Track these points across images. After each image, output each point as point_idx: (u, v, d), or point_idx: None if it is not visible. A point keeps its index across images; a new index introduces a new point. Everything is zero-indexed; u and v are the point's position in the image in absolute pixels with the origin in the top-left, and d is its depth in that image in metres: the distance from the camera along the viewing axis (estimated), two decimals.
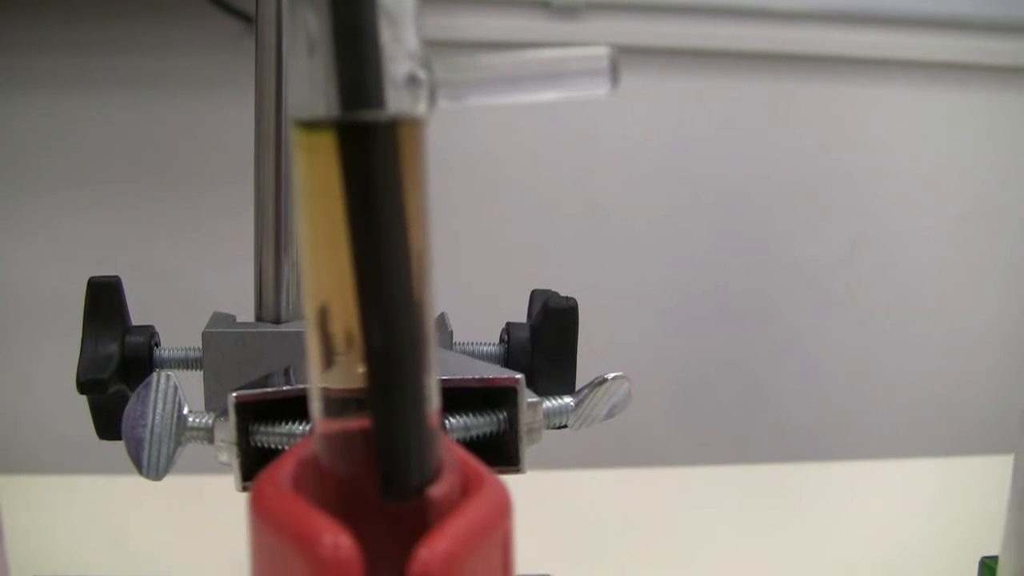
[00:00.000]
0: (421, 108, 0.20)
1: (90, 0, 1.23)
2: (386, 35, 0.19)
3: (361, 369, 0.20)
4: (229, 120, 1.22)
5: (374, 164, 0.19)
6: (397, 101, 0.19)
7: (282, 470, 0.22)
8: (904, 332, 1.46)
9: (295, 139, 0.20)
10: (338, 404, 0.21)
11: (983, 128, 1.42)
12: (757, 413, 1.45)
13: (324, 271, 0.20)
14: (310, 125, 0.20)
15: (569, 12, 1.33)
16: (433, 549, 0.19)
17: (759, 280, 1.42)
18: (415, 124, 0.20)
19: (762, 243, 1.42)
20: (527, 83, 0.21)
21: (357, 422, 0.20)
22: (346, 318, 0.20)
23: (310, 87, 0.19)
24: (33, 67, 1.24)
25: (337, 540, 0.19)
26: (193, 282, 1.26)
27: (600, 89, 0.21)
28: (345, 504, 0.21)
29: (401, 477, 0.20)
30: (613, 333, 1.33)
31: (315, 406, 0.21)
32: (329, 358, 0.20)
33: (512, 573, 0.22)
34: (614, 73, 0.20)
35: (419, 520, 0.20)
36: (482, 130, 1.28)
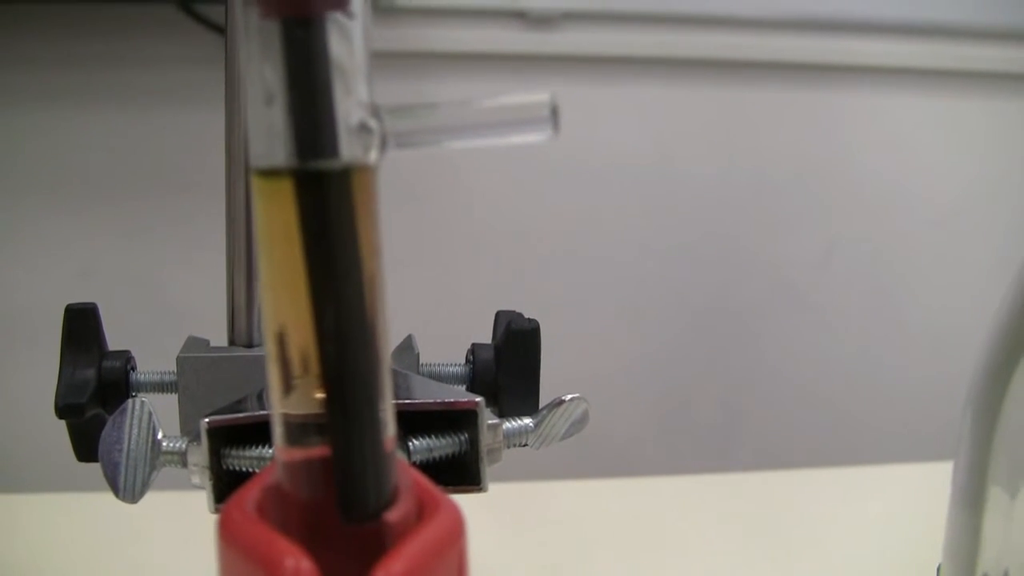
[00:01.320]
0: (372, 156, 0.21)
1: (71, 15, 1.24)
2: (338, 88, 0.20)
3: (318, 395, 0.21)
4: (212, 130, 1.24)
5: (329, 210, 0.20)
6: (350, 150, 0.21)
7: (248, 496, 0.23)
8: (880, 336, 1.48)
9: (255, 186, 0.21)
10: (298, 429, 0.22)
11: (958, 133, 1.44)
12: (735, 420, 1.46)
13: (284, 310, 0.22)
14: (268, 173, 0.21)
15: (545, 23, 1.34)
16: (390, 570, 0.20)
17: (735, 285, 1.44)
18: (367, 171, 0.21)
19: (738, 249, 1.43)
20: (472, 131, 0.22)
21: (317, 449, 0.22)
22: (302, 345, 0.21)
23: (268, 137, 0.21)
24: (14, 81, 1.25)
25: (299, 565, 0.20)
26: (176, 292, 1.27)
27: (541, 135, 0.22)
28: (307, 528, 0.22)
29: (359, 501, 0.21)
30: (589, 344, 1.34)
31: (277, 432, 0.22)
32: (288, 383, 0.22)
33: None
34: (554, 120, 0.22)
35: (377, 542, 0.22)
36: (449, 152, 1.30)
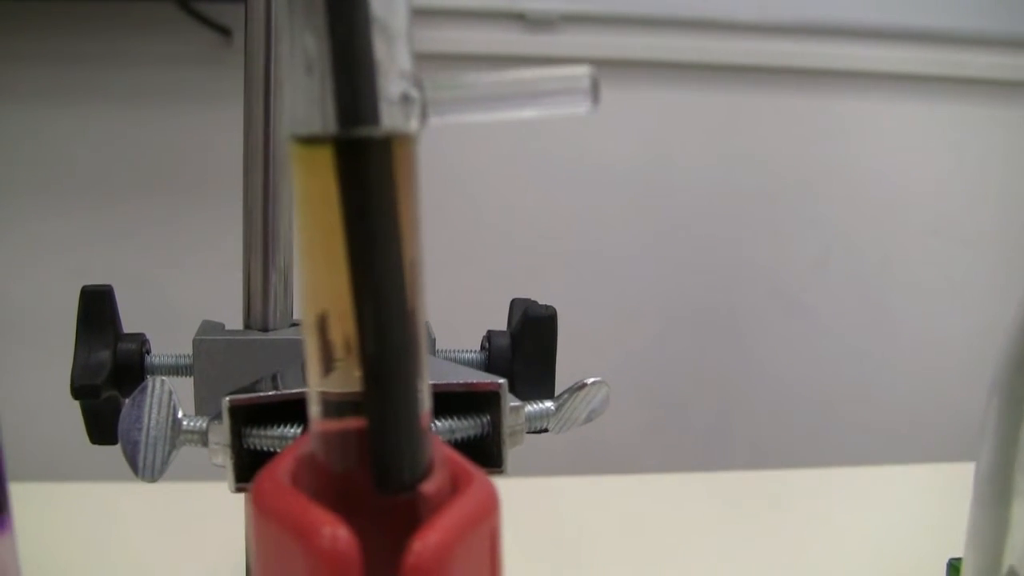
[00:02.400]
0: (413, 125, 0.21)
1: (71, 13, 1.24)
2: (381, 55, 0.20)
3: (358, 373, 0.21)
4: (210, 128, 1.24)
5: (370, 178, 0.20)
6: (391, 118, 0.20)
7: (281, 467, 0.23)
8: (876, 341, 1.48)
9: (294, 153, 0.21)
10: (335, 406, 0.22)
11: (954, 142, 1.45)
12: (729, 422, 1.46)
13: (322, 280, 0.21)
14: (308, 140, 0.21)
15: (545, 25, 1.34)
16: (426, 541, 0.20)
17: (732, 288, 1.44)
18: (407, 140, 0.21)
19: (735, 252, 1.43)
20: (511, 101, 0.22)
21: (353, 422, 0.22)
22: (344, 325, 0.21)
23: (308, 104, 0.21)
24: (12, 78, 1.25)
25: (336, 532, 0.20)
26: (178, 290, 1.27)
27: (581, 107, 0.22)
28: (341, 499, 0.22)
29: (395, 472, 0.21)
30: (584, 344, 1.34)
31: (314, 408, 0.22)
32: (328, 364, 0.21)
33: (499, 565, 0.23)
34: (595, 92, 0.22)
35: (411, 514, 0.22)
36: (464, 142, 1.30)
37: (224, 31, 1.24)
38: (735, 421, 1.46)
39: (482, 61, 1.31)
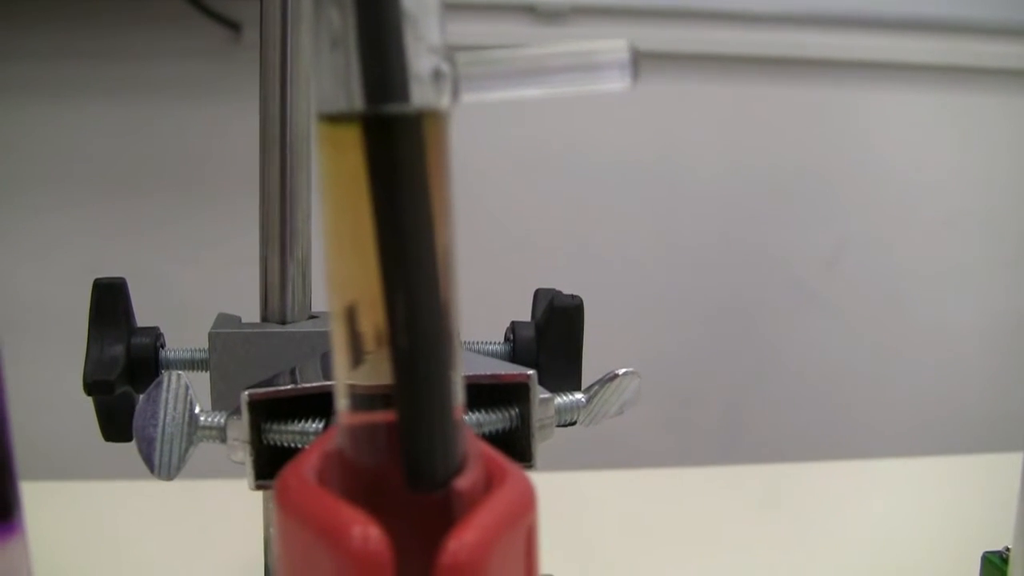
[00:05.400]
0: (445, 101, 0.20)
1: (76, 8, 1.23)
2: (409, 29, 0.19)
3: (388, 365, 0.20)
4: (219, 124, 1.23)
5: (400, 157, 0.19)
6: (421, 95, 0.19)
7: (306, 464, 0.22)
8: (890, 334, 1.47)
9: (320, 133, 0.20)
10: (365, 399, 0.21)
11: (971, 130, 1.43)
12: (742, 418, 1.45)
13: (350, 269, 0.20)
14: (335, 119, 0.20)
15: (554, 17, 1.33)
16: (462, 540, 0.19)
17: (744, 283, 1.43)
18: (439, 117, 0.20)
19: (748, 246, 1.42)
20: (547, 77, 0.21)
21: (383, 415, 0.21)
22: (374, 316, 0.20)
23: (334, 81, 0.19)
24: (19, 74, 1.24)
25: (367, 531, 0.19)
26: (191, 284, 1.26)
27: (620, 83, 0.21)
28: (371, 497, 0.21)
29: (428, 468, 0.20)
30: (597, 341, 1.33)
31: (341, 402, 0.21)
32: (357, 355, 0.20)
33: (536, 565, 0.22)
34: (634, 67, 0.21)
35: (445, 512, 0.20)
36: (484, 130, 1.28)
37: (233, 26, 1.23)
38: (749, 417, 1.45)
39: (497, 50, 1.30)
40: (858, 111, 1.41)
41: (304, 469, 0.21)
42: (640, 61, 0.21)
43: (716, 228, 1.41)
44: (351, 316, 0.20)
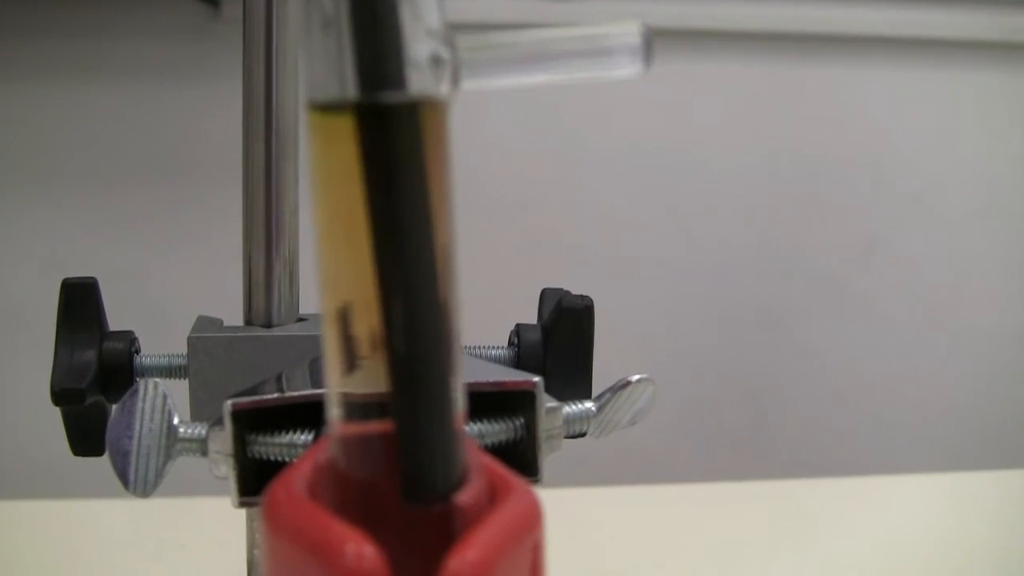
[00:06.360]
0: (444, 89, 0.20)
1: None
2: (406, 12, 0.20)
3: (385, 371, 0.20)
4: (198, 108, 1.23)
5: (396, 149, 0.19)
6: (419, 82, 0.20)
7: (296, 477, 0.22)
8: (926, 337, 1.47)
9: (310, 122, 0.20)
10: (359, 408, 0.21)
11: (1005, 118, 1.43)
12: (769, 421, 1.46)
13: (343, 268, 0.21)
14: (326, 107, 0.20)
15: None
16: (463, 558, 0.20)
17: (772, 282, 1.43)
18: (438, 106, 0.20)
19: (775, 244, 1.42)
20: (553, 63, 0.21)
21: (378, 424, 0.21)
22: (369, 318, 0.20)
23: (325, 66, 0.20)
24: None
25: (361, 550, 0.19)
26: (167, 284, 1.27)
27: (632, 68, 0.21)
28: (365, 512, 0.21)
29: (426, 480, 0.21)
30: (618, 342, 1.33)
31: (334, 410, 0.21)
32: (350, 361, 0.21)
33: None
34: (647, 51, 0.21)
35: (445, 528, 0.21)
36: (486, 125, 1.29)
37: (211, 1, 1.23)
38: (776, 420, 1.46)
39: (504, 31, 1.30)
40: (888, 104, 1.42)
41: (294, 483, 0.22)
42: (653, 44, 0.21)
43: (742, 224, 1.42)
44: (344, 319, 0.21)
